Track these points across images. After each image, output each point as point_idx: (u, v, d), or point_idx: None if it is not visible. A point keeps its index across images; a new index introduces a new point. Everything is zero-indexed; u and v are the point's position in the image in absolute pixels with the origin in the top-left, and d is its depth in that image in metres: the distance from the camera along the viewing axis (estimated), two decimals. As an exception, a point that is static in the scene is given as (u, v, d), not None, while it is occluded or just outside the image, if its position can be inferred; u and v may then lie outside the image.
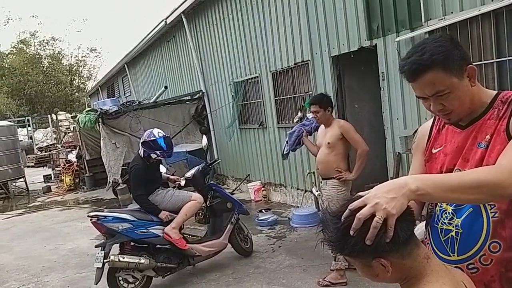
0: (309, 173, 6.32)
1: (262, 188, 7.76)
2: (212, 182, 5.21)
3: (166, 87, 9.86)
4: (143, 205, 4.25)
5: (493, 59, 3.72)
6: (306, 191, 6.58)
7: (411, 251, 1.10)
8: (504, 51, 3.65)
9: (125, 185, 7.81)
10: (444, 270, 1.16)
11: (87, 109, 10.26)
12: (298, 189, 6.87)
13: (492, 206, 1.26)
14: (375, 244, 1.03)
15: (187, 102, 9.50)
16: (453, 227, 1.32)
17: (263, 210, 6.37)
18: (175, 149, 8.58)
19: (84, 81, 35.51)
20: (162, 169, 4.84)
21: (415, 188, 1.06)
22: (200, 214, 4.61)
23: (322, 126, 4.03)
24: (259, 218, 6.16)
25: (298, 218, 5.88)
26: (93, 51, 37.00)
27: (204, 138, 4.87)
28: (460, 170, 1.31)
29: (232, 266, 4.66)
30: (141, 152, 4.33)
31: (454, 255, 1.32)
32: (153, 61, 13.08)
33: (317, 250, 4.78)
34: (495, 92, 1.34)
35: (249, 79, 7.69)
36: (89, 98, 27.58)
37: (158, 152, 4.29)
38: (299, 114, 6.41)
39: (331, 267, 3.86)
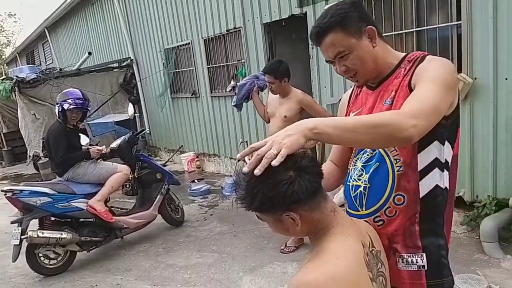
0: (242, 142, 6.33)
1: (196, 159, 7.68)
2: (142, 153, 5.02)
3: (90, 53, 9.25)
4: (71, 161, 4.01)
5: (413, 28, 3.87)
6: (239, 160, 6.58)
7: (319, 203, 1.11)
8: (423, 20, 3.80)
9: (47, 159, 7.32)
10: (350, 222, 1.19)
11: (2, 77, 9.39)
12: (232, 158, 6.87)
13: (397, 160, 1.29)
14: (281, 197, 1.03)
15: (114, 70, 8.99)
16: (362, 182, 1.36)
17: (195, 180, 6.31)
18: (103, 120, 8.24)
19: (0, 48, 32.37)
20: (84, 140, 4.56)
21: (312, 127, 1.06)
22: (128, 186, 4.44)
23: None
24: (192, 188, 6.10)
25: (231, 186, 5.86)
26: (11, 16, 33.67)
27: (130, 106, 4.63)
28: None
29: (162, 236, 4.59)
30: (57, 111, 4.05)
31: (362, 209, 1.36)
32: (77, 25, 12.17)
33: (248, 215, 4.85)
34: (403, 54, 1.37)
35: (181, 46, 7.42)
36: (6, 66, 25.31)
37: (69, 100, 4.00)
38: (232, 82, 6.34)
39: (281, 249, 3.83)
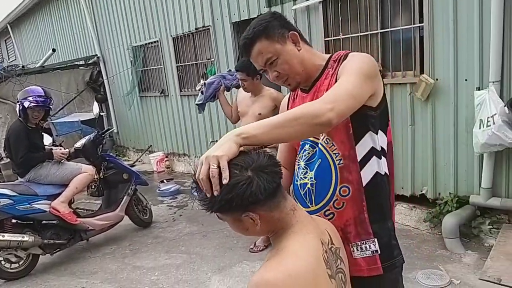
0: (212, 141, 6.29)
1: (165, 159, 7.57)
2: (108, 153, 4.91)
3: (54, 50, 8.96)
4: (32, 162, 3.88)
5: (377, 29, 3.96)
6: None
7: (278, 203, 1.12)
8: (387, 22, 3.89)
9: (9, 160, 7.04)
10: (309, 220, 1.20)
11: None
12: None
13: (336, 155, 1.37)
14: (240, 198, 1.03)
15: (80, 68, 8.75)
16: (308, 179, 1.43)
17: (164, 181, 6.23)
18: (68, 119, 8.00)
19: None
20: (47, 140, 4.41)
21: (238, 133, 1.10)
22: (93, 187, 4.32)
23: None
24: (161, 189, 6.02)
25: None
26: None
27: (95, 105, 4.51)
28: None
29: (129, 238, 4.50)
30: (18, 110, 3.90)
31: (312, 205, 1.42)
32: (41, 21, 11.77)
33: (217, 216, 4.85)
34: (328, 55, 1.46)
35: (149, 43, 7.30)
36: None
37: (30, 98, 3.85)
38: (202, 81, 6.26)
39: (250, 248, 3.83)
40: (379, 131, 1.39)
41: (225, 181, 1.02)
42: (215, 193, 1.03)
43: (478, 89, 3.35)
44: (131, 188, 4.47)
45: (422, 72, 3.72)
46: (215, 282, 3.36)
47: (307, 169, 1.44)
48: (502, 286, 2.85)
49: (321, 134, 1.39)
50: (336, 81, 1.34)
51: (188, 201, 5.60)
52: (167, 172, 7.36)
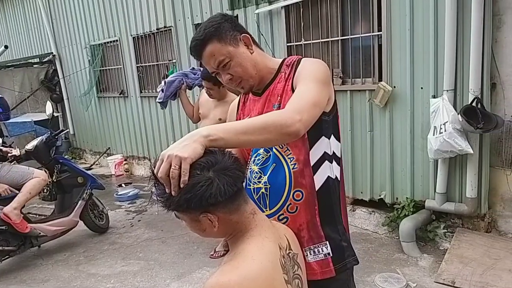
0: (173, 143, 6.16)
1: (124, 162, 7.36)
2: (61, 156, 4.69)
3: (6, 47, 8.49)
4: None
5: (338, 36, 4.02)
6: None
7: (238, 206, 1.10)
8: (347, 30, 3.96)
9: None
10: (268, 224, 1.19)
11: None
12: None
13: (291, 159, 1.38)
14: (198, 199, 1.01)
15: (34, 66, 8.36)
16: (262, 184, 1.43)
17: (122, 185, 6.05)
18: (21, 119, 7.62)
19: None
20: (-3, 140, 4.17)
21: (206, 134, 1.07)
22: (45, 191, 4.10)
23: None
24: (119, 193, 5.84)
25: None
26: None
27: (48, 104, 4.29)
28: None
29: (84, 244, 4.32)
30: None
31: (267, 210, 1.42)
32: (-8, 16, 11.17)
33: (178, 221, 4.73)
34: (281, 59, 1.47)
35: (108, 42, 7.08)
36: None
37: None
38: (163, 83, 6.14)
39: (211, 254, 3.75)
40: (332, 136, 1.41)
41: (182, 185, 1.00)
42: (173, 193, 1.01)
43: (434, 97, 3.47)
44: (86, 193, 4.30)
45: (380, 79, 3.81)
46: (174, 290, 3.28)
47: (261, 173, 1.44)
48: (455, 288, 2.95)
49: None
50: (292, 86, 1.36)
51: (147, 206, 5.45)
52: (125, 176, 7.15)
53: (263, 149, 1.44)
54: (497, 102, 3.35)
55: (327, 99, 1.32)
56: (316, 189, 1.39)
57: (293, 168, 1.38)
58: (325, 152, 1.40)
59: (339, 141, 1.46)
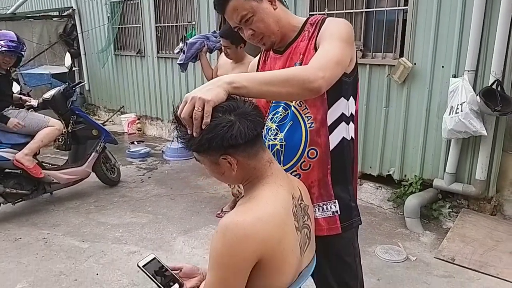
0: (186, 107, 6.20)
1: (137, 121, 7.42)
2: (78, 107, 4.76)
3: (27, -4, 8.52)
4: None
5: (363, 8, 3.96)
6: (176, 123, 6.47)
7: (256, 152, 1.14)
8: (373, 2, 3.89)
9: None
10: (283, 174, 1.24)
11: None
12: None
13: (308, 118, 1.41)
14: (220, 139, 1.04)
15: (54, 19, 8.33)
16: (278, 141, 1.46)
17: (135, 142, 6.13)
18: (38, 71, 7.67)
19: None
20: (15, 88, 4.23)
21: (230, 81, 1.09)
22: (60, 140, 4.19)
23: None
24: (130, 150, 5.93)
25: (172, 151, 5.81)
26: None
27: (68, 56, 4.33)
28: None
29: (95, 194, 4.44)
30: None
31: (281, 166, 1.43)
32: (14, -35, 11.09)
33: (187, 180, 4.86)
34: (305, 18, 1.47)
35: (129, 0, 7.02)
36: None
37: (2, 42, 3.67)
38: (180, 44, 6.12)
39: (217, 213, 3.83)
40: (351, 97, 1.44)
41: (204, 127, 1.04)
42: (194, 135, 1.05)
43: (454, 76, 3.44)
44: (100, 145, 4.38)
45: (401, 55, 3.77)
46: (180, 243, 3.38)
47: (277, 130, 1.47)
48: (455, 265, 3.01)
49: None
50: (315, 45, 1.36)
51: (158, 164, 5.55)
52: (138, 135, 7.23)
53: (282, 107, 1.46)
54: (518, 86, 3.31)
55: (349, 59, 1.33)
56: (331, 148, 1.42)
57: (310, 127, 1.41)
58: (343, 113, 1.42)
59: (356, 102, 1.48)
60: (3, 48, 3.66)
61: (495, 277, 2.85)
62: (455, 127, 3.31)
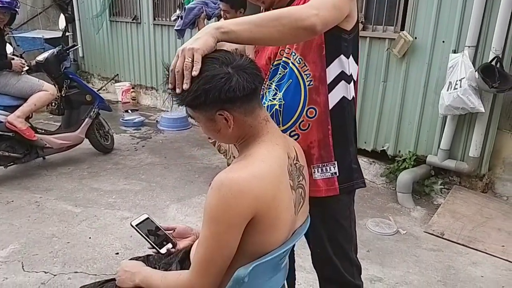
0: (182, 77, 6.12)
1: (131, 90, 7.32)
2: (72, 71, 4.68)
3: (20, -43, 8.22)
4: None
5: (366, -21, 3.87)
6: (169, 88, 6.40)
7: (253, 109, 1.11)
8: (376, -28, 3.80)
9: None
10: (280, 133, 1.22)
11: None
12: (170, 93, 6.63)
13: (307, 75, 1.37)
14: (217, 90, 1.01)
15: (48, -19, 8.12)
16: (277, 101, 1.43)
17: (129, 111, 6.08)
18: (31, 34, 7.50)
19: None
20: (8, 49, 4.13)
21: (218, 26, 1.08)
22: (53, 104, 4.13)
23: None
24: (124, 118, 5.88)
25: (166, 121, 5.77)
26: None
27: (62, 18, 4.22)
28: (284, 50, 1.41)
29: (88, 161, 4.41)
30: None
31: (280, 126, 1.43)
32: None
33: (181, 150, 4.84)
34: None
35: (125, -36, 6.82)
36: None
37: None
38: (178, 11, 5.99)
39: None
40: (351, 56, 1.40)
41: (194, 73, 1.01)
42: (185, 87, 1.02)
43: (454, 51, 3.40)
44: (94, 111, 4.32)
45: (402, 28, 3.71)
46: (173, 210, 3.39)
47: (276, 90, 1.44)
48: (444, 240, 3.05)
49: (293, 53, 1.38)
50: None
51: (152, 134, 5.51)
52: (132, 104, 7.14)
53: (281, 65, 1.43)
54: (517, 64, 3.29)
55: (348, 8, 1.28)
56: (330, 107, 1.39)
57: (308, 85, 1.38)
58: (342, 71, 1.39)
59: (357, 63, 1.45)
60: None
61: (482, 252, 2.90)
62: (452, 103, 3.30)
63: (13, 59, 3.93)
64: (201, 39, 1.04)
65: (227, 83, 1.01)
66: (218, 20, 3.91)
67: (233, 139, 1.16)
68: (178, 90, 1.04)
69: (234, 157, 3.59)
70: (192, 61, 1.01)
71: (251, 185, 1.01)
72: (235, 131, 1.11)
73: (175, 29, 4.19)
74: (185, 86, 1.02)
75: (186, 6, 4.00)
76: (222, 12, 3.43)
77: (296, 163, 1.23)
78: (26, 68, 3.97)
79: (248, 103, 1.09)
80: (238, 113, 1.08)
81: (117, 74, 7.78)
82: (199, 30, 3.85)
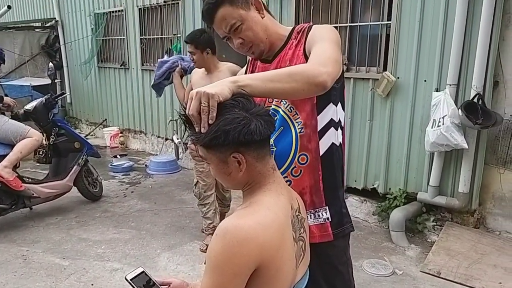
0: (171, 120, 6.16)
1: (120, 134, 7.32)
2: (60, 119, 4.68)
3: (9, 7, 8.32)
4: None
5: (347, 23, 4.01)
6: (167, 139, 6.43)
7: (264, 155, 1.14)
8: (357, 16, 3.95)
9: None
10: (284, 183, 1.23)
11: None
12: (159, 137, 6.67)
13: (298, 123, 1.41)
14: (237, 132, 1.03)
15: (36, 30, 8.25)
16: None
17: (117, 156, 6.04)
18: (19, 82, 7.53)
19: None
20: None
21: (234, 80, 1.10)
22: (41, 153, 4.09)
23: (201, 70, 3.31)
24: (113, 164, 5.83)
25: (155, 165, 5.74)
26: None
27: (50, 64, 4.26)
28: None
29: (76, 210, 4.33)
30: None
31: None
32: (-5, -24, 10.96)
33: (171, 195, 4.79)
34: (291, 27, 1.49)
35: (113, 12, 6.99)
36: None
37: None
38: (166, 56, 6.11)
39: (204, 229, 3.53)
40: (339, 103, 1.45)
41: (211, 121, 1.03)
42: (203, 130, 1.04)
43: (437, 90, 3.50)
44: (82, 158, 4.29)
45: (385, 69, 3.82)
46: (164, 259, 3.31)
47: None
48: (441, 279, 3.01)
49: (283, 102, 1.42)
50: (304, 51, 1.38)
51: (141, 178, 5.46)
52: (120, 148, 7.13)
53: (270, 112, 1.45)
54: (498, 100, 3.38)
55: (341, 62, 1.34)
56: (321, 154, 1.42)
57: (300, 132, 1.41)
58: (332, 119, 1.43)
59: (344, 110, 1.50)
60: None
61: (480, 290, 2.86)
62: (437, 140, 3.36)
63: (5, 95, 3.92)
64: (217, 88, 1.06)
65: (246, 127, 1.04)
66: None
67: (241, 184, 1.15)
68: (196, 129, 1.06)
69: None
70: (208, 105, 1.03)
71: (257, 233, 0.99)
72: (245, 176, 1.12)
73: (152, 86, 4.12)
74: (203, 130, 1.04)
75: (159, 60, 4.00)
76: (189, 54, 3.33)
77: (298, 215, 1.23)
78: (16, 108, 3.97)
79: (261, 149, 1.11)
80: (251, 157, 1.09)
81: (106, 119, 7.80)
82: (174, 83, 3.74)
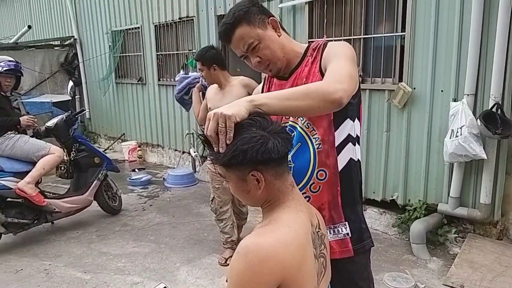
0: (188, 134, 6.23)
1: (138, 148, 7.44)
2: (80, 135, 4.78)
3: (29, 27, 8.64)
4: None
5: (361, 35, 4.03)
6: (184, 152, 6.50)
7: (283, 173, 1.15)
8: (371, 28, 3.97)
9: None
10: (303, 200, 1.23)
11: None
12: (176, 150, 6.74)
13: (316, 139, 1.42)
14: (255, 151, 1.05)
15: (55, 48, 8.47)
16: None
17: (136, 170, 6.12)
18: (40, 99, 7.73)
19: None
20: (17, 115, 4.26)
21: (250, 99, 1.12)
22: (62, 168, 4.19)
23: (215, 86, 3.34)
24: (132, 178, 5.91)
25: (173, 178, 5.80)
26: None
27: (70, 82, 4.38)
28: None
29: (96, 224, 4.40)
30: None
31: None
32: (16, -3, 11.34)
33: (189, 208, 4.82)
34: (306, 44, 1.51)
35: (130, 29, 7.15)
36: None
37: (1, 63, 3.81)
38: (181, 72, 6.20)
39: (223, 242, 3.54)
40: (356, 119, 1.46)
41: (228, 142, 1.06)
42: (221, 150, 1.06)
43: (454, 100, 3.47)
44: (102, 173, 4.37)
45: (400, 80, 3.81)
46: (183, 273, 3.32)
47: None
48: (463, 292, 2.95)
49: (301, 118, 1.44)
50: (319, 68, 1.40)
51: (159, 192, 5.52)
52: (139, 162, 7.23)
53: (287, 128, 1.46)
54: (518, 110, 3.34)
55: (357, 78, 1.35)
56: (339, 169, 1.43)
57: (317, 148, 1.42)
58: (349, 134, 1.44)
59: (361, 125, 1.51)
60: (4, 68, 3.76)
61: (505, 303, 2.79)
62: (455, 150, 3.32)
63: (21, 116, 4.04)
64: (234, 108, 1.08)
65: (264, 145, 1.06)
66: None
67: (260, 201, 1.17)
68: (215, 149, 1.08)
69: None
70: (225, 126, 1.05)
71: (277, 251, 1.00)
72: (264, 194, 1.13)
73: (176, 99, 4.25)
74: (221, 150, 1.07)
75: (181, 75, 4.10)
76: (198, 70, 3.42)
77: (318, 231, 1.23)
78: (36, 125, 4.07)
79: (279, 167, 1.12)
80: (269, 175, 1.11)
81: (124, 134, 7.93)
82: (193, 98, 3.77)
